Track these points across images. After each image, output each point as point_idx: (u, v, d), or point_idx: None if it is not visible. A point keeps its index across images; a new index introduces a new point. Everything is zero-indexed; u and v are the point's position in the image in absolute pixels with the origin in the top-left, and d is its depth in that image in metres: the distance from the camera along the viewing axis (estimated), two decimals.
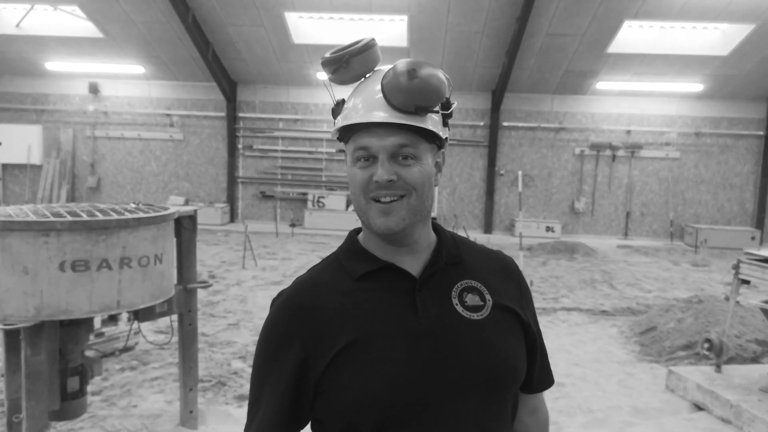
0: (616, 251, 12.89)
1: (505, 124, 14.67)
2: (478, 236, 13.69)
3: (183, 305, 3.74)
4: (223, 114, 14.88)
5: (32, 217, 2.92)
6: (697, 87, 13.74)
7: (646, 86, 13.88)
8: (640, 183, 14.81)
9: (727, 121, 14.50)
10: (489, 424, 1.17)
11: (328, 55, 1.25)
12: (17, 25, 12.95)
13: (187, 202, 14.61)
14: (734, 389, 4.35)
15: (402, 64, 1.18)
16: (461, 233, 10.08)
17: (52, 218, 2.89)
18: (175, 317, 3.82)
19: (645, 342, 5.97)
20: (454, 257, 1.27)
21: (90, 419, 3.95)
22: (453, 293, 1.21)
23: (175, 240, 3.60)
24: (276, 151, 14.98)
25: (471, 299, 1.21)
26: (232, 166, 15.00)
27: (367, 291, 1.20)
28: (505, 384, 1.21)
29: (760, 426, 3.93)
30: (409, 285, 1.20)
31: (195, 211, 3.81)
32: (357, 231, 1.32)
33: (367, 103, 1.19)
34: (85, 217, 2.99)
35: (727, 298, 5.66)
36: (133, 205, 3.58)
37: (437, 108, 1.20)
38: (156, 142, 15.19)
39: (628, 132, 14.58)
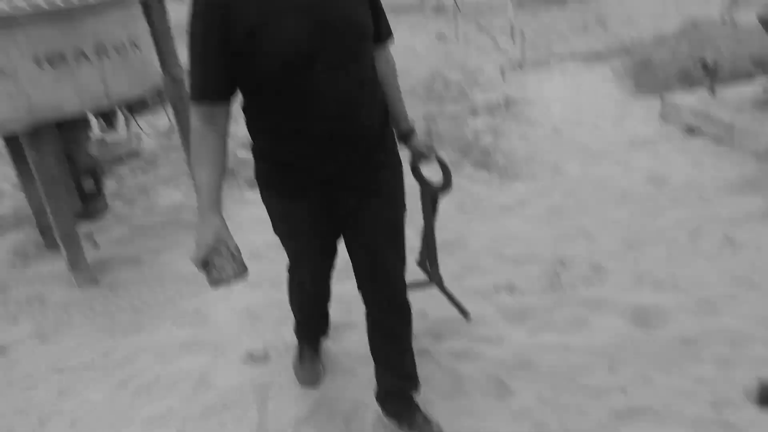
0: None
1: None
2: None
3: (175, 94, 3.68)
4: None
5: None
6: None
7: None
8: None
9: None
10: (354, 65, 1.66)
11: None
12: None
13: None
14: (727, 108, 4.42)
15: None
16: None
17: (11, 12, 2.71)
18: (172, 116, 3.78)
19: (639, 78, 5.95)
20: None
21: (115, 219, 4.12)
22: None
23: (147, 25, 3.41)
24: None
25: None
26: None
27: None
28: (361, 32, 1.68)
29: (753, 139, 4.07)
30: None
31: None
32: None
33: None
34: (45, 6, 2.80)
35: (724, 22, 5.51)
36: None
37: None
38: None
39: None
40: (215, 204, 1.64)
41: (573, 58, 7.31)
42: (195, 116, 1.64)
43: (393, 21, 1.94)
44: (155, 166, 5.11)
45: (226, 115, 1.67)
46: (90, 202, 3.42)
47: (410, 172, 2.24)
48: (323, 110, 1.63)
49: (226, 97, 1.64)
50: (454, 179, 2.44)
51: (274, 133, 1.71)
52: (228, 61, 1.57)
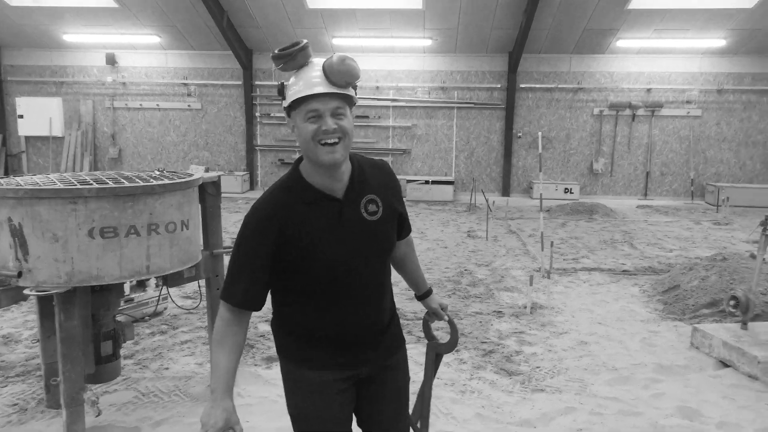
0: (636, 211, 12.78)
1: (523, 85, 14.45)
2: (497, 199, 13.64)
3: (210, 270, 3.80)
4: (239, 82, 14.84)
5: (59, 186, 2.96)
6: (719, 42, 13.37)
7: (667, 43, 13.54)
8: (661, 142, 14.57)
9: (750, 76, 14.14)
10: (380, 277, 2.02)
11: (276, 52, 1.84)
12: None
13: (207, 171, 14.67)
14: (761, 345, 4.34)
15: (337, 56, 1.79)
16: (480, 197, 9.98)
17: (79, 186, 2.93)
18: (203, 282, 3.88)
19: (668, 300, 5.96)
20: (360, 179, 1.94)
21: (124, 381, 4.06)
22: (361, 206, 1.93)
23: (199, 206, 3.64)
24: None
25: (371, 208, 1.94)
26: (250, 134, 15.02)
27: (312, 210, 1.86)
28: (388, 252, 2.04)
29: None
30: (338, 204, 1.89)
31: (219, 176, 3.84)
32: (299, 161, 1.94)
33: (314, 82, 1.79)
34: (111, 184, 3.02)
35: (752, 256, 5.62)
36: (157, 172, 3.61)
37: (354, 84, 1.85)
38: (175, 112, 15.23)
39: (649, 90, 14.30)
40: (229, 388, 1.80)
41: (600, 271, 7.41)
42: (224, 309, 1.88)
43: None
44: (174, 328, 5.12)
45: (250, 313, 1.92)
46: (104, 366, 3.40)
47: (421, 328, 2.48)
48: (355, 312, 1.96)
49: (255, 307, 1.88)
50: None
51: (308, 322, 1.97)
52: (265, 279, 1.85)
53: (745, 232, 10.41)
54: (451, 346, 2.46)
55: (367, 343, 2.03)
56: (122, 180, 3.20)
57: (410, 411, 2.68)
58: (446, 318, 2.40)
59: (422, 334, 2.67)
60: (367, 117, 14.72)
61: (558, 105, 14.62)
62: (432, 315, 2.44)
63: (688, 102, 14.35)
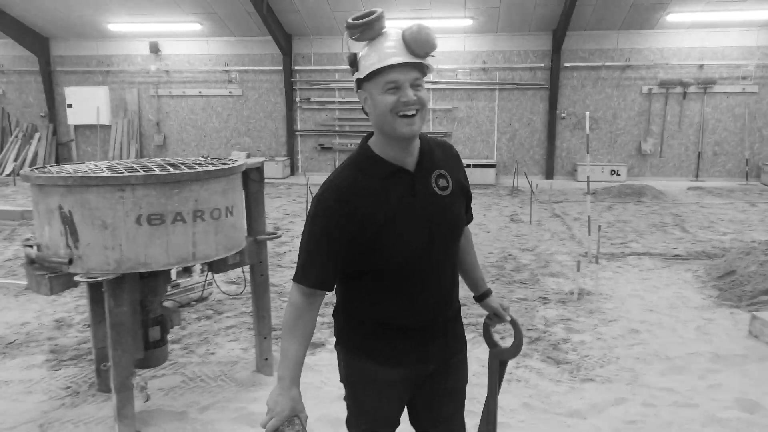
0: (687, 193, 12.34)
1: (567, 64, 14.05)
2: (540, 182, 13.37)
3: (254, 256, 3.80)
4: (279, 68, 14.87)
5: (107, 173, 2.99)
6: None
7: (721, 16, 12.92)
8: (713, 121, 14.00)
9: None
10: (453, 258, 1.98)
11: (351, 21, 1.74)
12: None
13: (248, 157, 14.83)
14: None
15: (416, 25, 1.72)
16: (523, 180, 9.79)
17: (126, 174, 2.95)
18: (247, 268, 3.89)
19: (723, 286, 5.72)
20: (430, 154, 1.89)
21: (171, 366, 4.13)
22: (432, 180, 1.87)
23: (243, 192, 3.63)
24: (333, 102, 14.93)
25: (442, 182, 1.88)
26: (290, 120, 15.07)
27: (386, 185, 1.80)
28: (459, 231, 1.99)
29: None
30: (411, 177, 1.83)
31: (261, 163, 3.83)
32: (367, 138, 1.88)
33: (392, 52, 1.72)
34: (157, 171, 3.03)
35: None
36: (202, 159, 3.62)
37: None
38: (216, 99, 15.39)
39: (701, 67, 13.72)
40: (296, 377, 1.79)
41: (650, 256, 7.18)
42: (297, 292, 1.84)
43: None
44: (219, 313, 5.18)
45: (323, 294, 1.86)
46: (153, 351, 3.45)
47: (482, 332, 2.31)
48: (427, 295, 1.89)
49: (329, 288, 1.85)
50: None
51: (378, 307, 1.91)
52: (341, 258, 1.80)
53: None
54: (516, 350, 2.23)
55: (436, 335, 1.96)
56: (168, 167, 3.21)
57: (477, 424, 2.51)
58: (509, 318, 2.23)
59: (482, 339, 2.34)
60: None
61: (604, 84, 14.18)
62: (493, 317, 2.26)
63: (743, 78, 13.71)
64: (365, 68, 1.74)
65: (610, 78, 14.12)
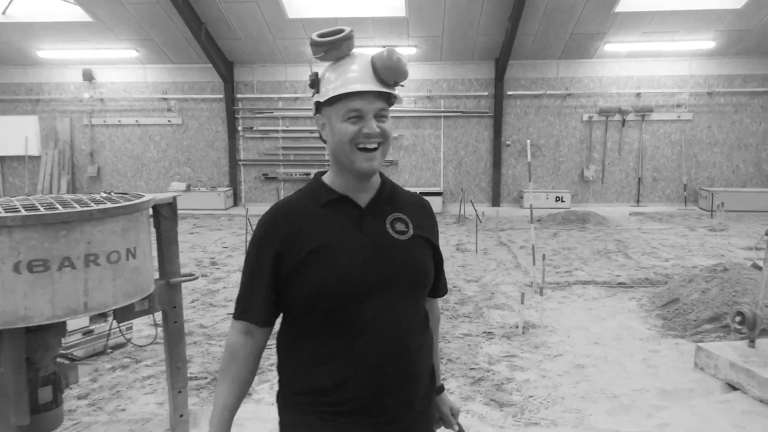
0: (629, 219, 12.51)
1: (510, 93, 14.20)
2: (486, 209, 13.32)
3: (166, 302, 3.42)
4: (221, 96, 14.50)
5: None
6: (708, 44, 13.18)
7: (656, 46, 13.34)
8: (652, 147, 14.34)
9: (741, 78, 13.95)
10: (407, 312, 1.62)
11: (317, 38, 1.59)
12: (3, 12, 12.56)
13: (188, 188, 14.30)
14: None
15: (388, 51, 1.59)
16: (469, 208, 9.62)
17: (2, 214, 2.57)
18: (159, 315, 3.51)
19: (668, 315, 5.63)
20: (390, 196, 1.68)
21: (73, 428, 3.67)
22: (387, 221, 1.63)
23: (151, 231, 3.27)
24: (277, 131, 14.61)
25: (399, 226, 1.64)
26: (232, 149, 14.65)
27: (328, 213, 1.60)
28: (420, 283, 1.67)
29: None
30: (358, 212, 1.62)
31: (174, 198, 3.48)
32: (320, 174, 1.72)
33: (358, 77, 1.56)
34: (42, 210, 2.66)
35: (755, 266, 5.30)
36: (104, 194, 3.25)
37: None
38: (154, 128, 14.85)
39: (638, 95, 14.08)
40: (225, 427, 1.62)
41: (595, 284, 7.08)
42: (232, 330, 1.67)
43: None
44: (138, 361, 4.72)
45: (264, 335, 1.67)
46: (42, 415, 3.01)
47: None
48: (369, 349, 1.55)
49: (266, 322, 1.65)
50: (463, 417, 2.04)
51: (316, 360, 1.60)
52: (277, 287, 1.59)
53: (741, 238, 10.13)
54: None
55: (396, 418, 1.60)
56: (57, 205, 2.83)
57: None
58: (456, 428, 1.89)
59: None
60: None
61: (546, 112, 14.36)
62: (438, 421, 1.90)
63: (678, 106, 14.13)
64: (327, 92, 1.59)
65: (552, 106, 14.32)
